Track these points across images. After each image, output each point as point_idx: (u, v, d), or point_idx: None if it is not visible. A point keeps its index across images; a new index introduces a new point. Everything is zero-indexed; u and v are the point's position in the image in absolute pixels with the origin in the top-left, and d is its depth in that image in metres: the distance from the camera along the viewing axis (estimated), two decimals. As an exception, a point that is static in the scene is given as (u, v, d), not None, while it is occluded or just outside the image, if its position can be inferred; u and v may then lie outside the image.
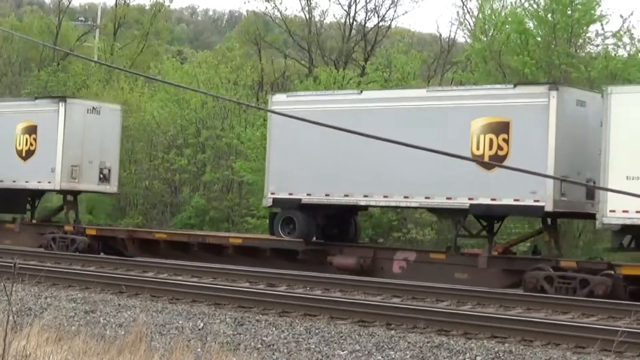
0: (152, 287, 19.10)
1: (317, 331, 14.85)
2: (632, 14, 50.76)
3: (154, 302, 17.80)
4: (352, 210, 26.21)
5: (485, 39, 35.16)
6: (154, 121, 40.30)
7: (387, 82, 37.93)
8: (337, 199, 24.80)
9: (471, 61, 37.96)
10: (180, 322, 15.87)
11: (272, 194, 25.76)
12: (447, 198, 23.10)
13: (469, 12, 44.20)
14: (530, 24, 33.39)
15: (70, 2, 56.66)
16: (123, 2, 53.78)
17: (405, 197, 23.87)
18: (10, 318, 10.10)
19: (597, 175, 21.06)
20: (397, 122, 23.57)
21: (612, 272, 20.80)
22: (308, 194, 25.14)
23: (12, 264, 10.08)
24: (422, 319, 15.35)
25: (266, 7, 47.01)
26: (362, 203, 25.01)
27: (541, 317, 16.35)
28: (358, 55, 45.45)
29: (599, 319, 16.77)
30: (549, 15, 32.44)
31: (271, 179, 25.92)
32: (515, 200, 22.11)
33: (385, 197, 24.16)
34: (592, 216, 21.40)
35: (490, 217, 23.95)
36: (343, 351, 13.78)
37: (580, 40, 33.19)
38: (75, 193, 30.72)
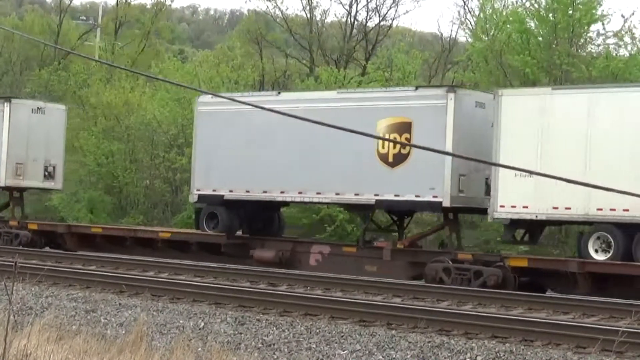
0: (152, 287, 19.11)
1: (317, 331, 14.85)
2: (633, 13, 50.83)
3: (155, 301, 17.80)
4: (275, 206, 27.15)
5: (486, 38, 35.16)
6: (155, 120, 40.30)
7: (388, 81, 37.92)
8: (256, 195, 25.87)
9: (472, 61, 37.95)
10: (181, 321, 15.87)
11: (198, 190, 27.00)
12: (356, 194, 24.34)
13: (470, 12, 44.23)
14: (532, 24, 33.39)
15: (71, 1, 56.76)
16: (124, 1, 53.75)
17: (317, 193, 25.05)
18: (11, 317, 10.10)
19: (492, 173, 22.42)
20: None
21: (503, 264, 21.93)
22: (230, 191, 26.29)
23: (12, 263, 10.08)
24: (423, 318, 15.35)
25: (267, 7, 46.97)
26: (279, 199, 25.95)
27: (542, 317, 16.34)
28: (359, 54, 45.41)
29: (600, 319, 16.76)
30: (550, 15, 32.43)
31: (197, 176, 27.16)
32: (416, 196, 23.43)
33: (299, 193, 25.28)
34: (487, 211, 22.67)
35: (398, 212, 25.30)
36: (344, 351, 13.78)
37: (582, 40, 33.19)
38: (21, 190, 31.62)
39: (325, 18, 47.64)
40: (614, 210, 20.77)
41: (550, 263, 22.34)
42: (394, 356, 13.43)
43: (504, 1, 37.47)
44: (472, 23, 42.69)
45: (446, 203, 22.98)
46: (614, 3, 49.59)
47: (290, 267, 25.36)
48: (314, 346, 14.10)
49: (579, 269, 20.83)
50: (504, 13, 35.76)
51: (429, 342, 13.92)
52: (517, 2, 35.82)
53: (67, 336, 13.14)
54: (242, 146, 26.01)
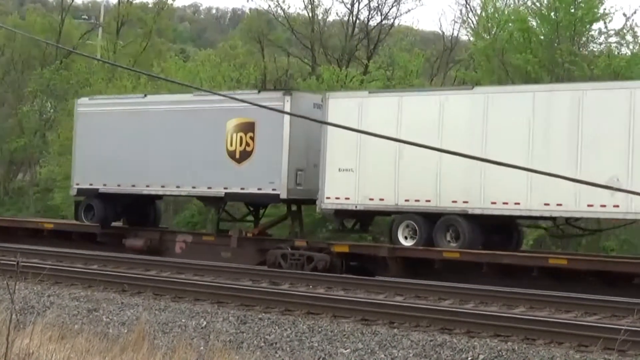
0: (154, 286, 19.13)
1: (320, 329, 14.85)
2: (635, 12, 50.44)
3: (157, 300, 17.81)
4: (149, 198, 29.26)
5: (488, 37, 35.13)
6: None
7: (389, 80, 37.89)
8: (126, 188, 28.14)
9: (474, 59, 37.92)
10: (183, 320, 15.88)
11: (77, 184, 29.31)
12: (208, 188, 26.61)
13: (471, 11, 44.20)
14: (533, 22, 33.34)
15: (73, 0, 56.75)
16: (126, 0, 53.76)
17: (177, 187, 27.32)
18: (13, 316, 10.09)
19: (320, 167, 24.74)
20: (173, 122, 27.33)
21: (330, 250, 24.33)
22: (104, 185, 28.51)
23: (14, 263, 10.08)
24: (425, 317, 15.36)
25: (269, 5, 46.90)
26: (145, 192, 28.05)
27: (544, 315, 16.33)
28: (361, 53, 45.37)
29: (602, 317, 16.75)
30: (552, 14, 32.40)
31: (76, 171, 29.46)
32: (258, 189, 25.69)
33: (162, 187, 27.58)
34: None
35: (252, 203, 27.69)
36: (346, 349, 13.79)
37: (583, 39, 33.15)
38: None
39: (327, 17, 47.63)
40: (418, 201, 23.21)
41: (367, 249, 24.74)
42: (396, 355, 13.43)
43: (505, 0, 37.47)
44: (474, 22, 42.68)
45: (283, 195, 25.24)
46: (615, 1, 49.55)
47: (159, 255, 27.88)
48: (316, 345, 14.10)
49: (390, 254, 23.31)
50: (506, 12, 35.72)
51: (431, 340, 13.92)
52: (518, 1, 35.84)
53: (69, 335, 13.14)
54: (114, 144, 28.28)
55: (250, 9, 54.52)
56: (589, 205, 21.07)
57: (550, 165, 20.50)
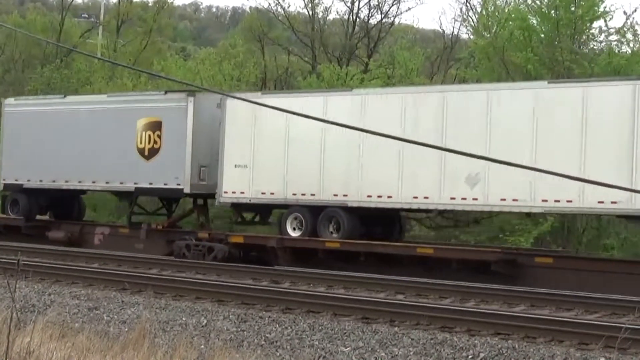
0: (155, 284, 19.14)
1: (320, 328, 14.85)
2: (635, 10, 50.54)
3: (158, 299, 17.82)
4: (72, 193, 31.35)
5: (488, 35, 35.08)
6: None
7: (390, 79, 37.85)
8: (47, 183, 30.13)
9: (474, 58, 37.88)
10: (183, 318, 15.88)
11: (4, 180, 31.31)
12: (121, 183, 28.56)
13: (472, 9, 44.12)
14: (534, 21, 33.29)
15: (73, -1, 56.71)
16: (126, -1, 53.78)
17: (93, 182, 29.35)
18: (14, 315, 10.09)
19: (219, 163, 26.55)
20: (89, 121, 29.17)
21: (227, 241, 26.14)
22: (28, 180, 30.54)
23: (15, 261, 10.08)
24: (425, 315, 15.36)
25: (269, 4, 46.95)
26: (65, 187, 30.05)
27: (545, 314, 16.32)
28: (361, 52, 45.34)
29: (603, 315, 16.74)
30: (552, 12, 32.34)
31: (3, 167, 31.38)
32: (164, 184, 27.57)
33: (80, 182, 29.55)
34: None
35: (166, 197, 29.51)
36: (346, 348, 13.78)
37: (584, 37, 33.08)
38: None
39: (327, 15, 47.59)
40: (304, 195, 25.04)
41: (258, 239, 26.17)
42: (396, 353, 13.43)
43: (505, -2, 37.40)
44: (474, 20, 42.61)
45: (187, 190, 27.19)
46: (616, 0, 49.64)
47: (79, 246, 29.62)
48: (317, 343, 14.10)
49: (278, 244, 25.15)
50: (506, 10, 35.68)
51: (431, 339, 13.92)
52: (519, -1, 35.74)
53: (69, 334, 13.14)
54: (37, 142, 30.19)
55: (250, 8, 54.81)
56: (451, 198, 22.97)
57: (419, 161, 23.14)
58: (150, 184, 27.82)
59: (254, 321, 15.55)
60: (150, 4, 54.73)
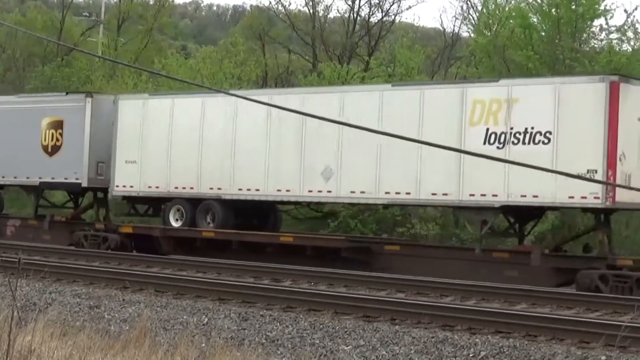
0: (156, 283, 19.12)
1: (321, 326, 14.85)
2: (636, 8, 50.29)
3: (158, 297, 17.81)
4: None
5: (489, 33, 35.11)
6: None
7: (391, 77, 37.85)
8: None
9: (475, 56, 37.89)
10: (184, 317, 15.89)
11: None
12: (27, 177, 30.38)
13: (472, 7, 44.17)
14: (534, 19, 33.31)
15: (74, -2, 56.73)
16: (127, -3, 53.80)
17: (2, 177, 30.94)
18: (15, 313, 10.10)
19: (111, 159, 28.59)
20: (6, 121, 30.75)
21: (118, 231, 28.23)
22: None
23: (16, 260, 10.08)
24: (426, 314, 15.36)
25: (270, 2, 47.08)
26: None
27: (545, 312, 16.33)
28: (362, 50, 45.37)
29: (603, 314, 16.75)
30: (553, 10, 32.37)
31: None
32: (65, 179, 29.45)
33: (2, 177, 31.03)
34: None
35: (74, 192, 31.14)
36: (347, 346, 13.79)
37: (585, 35, 33.12)
38: None
39: (328, 14, 47.65)
40: (184, 188, 27.14)
41: (144, 229, 28.28)
42: (397, 351, 13.43)
43: (506, -4, 37.40)
44: (475, 18, 42.64)
45: (85, 184, 29.04)
46: (617, -2, 49.68)
47: None
48: (318, 342, 14.11)
49: (162, 234, 27.31)
50: (507, 8, 35.70)
51: (432, 337, 13.92)
52: (519, -3, 35.73)
53: (71, 332, 13.16)
54: None
55: (251, 6, 54.87)
56: (309, 191, 25.07)
57: (282, 156, 25.39)
58: (53, 178, 29.66)
59: (255, 320, 15.56)
60: (151, 3, 54.76)
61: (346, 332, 14.47)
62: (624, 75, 22.70)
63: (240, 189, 26.15)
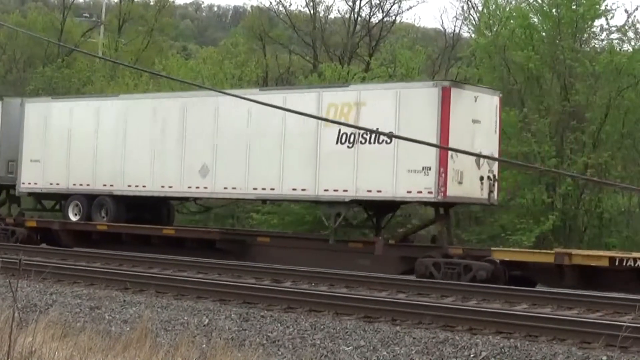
0: (157, 284, 19.12)
1: (322, 327, 14.85)
2: (637, 8, 50.36)
3: (159, 298, 17.82)
4: None
5: (489, 34, 35.06)
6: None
7: (391, 77, 37.83)
8: None
9: (476, 56, 37.86)
10: (185, 318, 15.89)
11: None
12: None
13: (473, 7, 44.11)
14: (535, 19, 33.28)
15: (74, -1, 56.73)
16: (127, -2, 53.80)
17: None
18: (16, 314, 10.10)
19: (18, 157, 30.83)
20: None
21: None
22: None
23: (17, 260, 10.08)
24: (427, 314, 15.36)
25: (270, 3, 47.10)
26: None
27: (546, 312, 16.32)
28: (362, 50, 45.34)
29: (604, 314, 16.74)
30: (554, 10, 32.33)
31: None
32: None
33: None
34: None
35: None
36: (348, 347, 13.79)
37: (585, 35, 33.08)
38: None
39: (329, 14, 47.64)
40: (82, 185, 29.31)
41: (46, 223, 30.23)
42: (398, 352, 13.43)
43: (507, -4, 37.34)
44: (476, 19, 42.59)
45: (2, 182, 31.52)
46: (617, -2, 49.67)
47: None
48: (319, 342, 14.11)
49: (60, 227, 29.45)
50: (507, 8, 35.65)
51: (433, 338, 13.92)
52: (520, -3, 35.68)
53: (71, 333, 13.15)
54: None
55: (251, 7, 54.78)
56: (189, 187, 27.26)
57: (165, 156, 27.63)
58: None
59: (255, 320, 15.56)
60: (151, 3, 54.81)
61: (347, 332, 14.47)
62: (456, 81, 25.00)
63: (129, 186, 28.40)
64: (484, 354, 13.10)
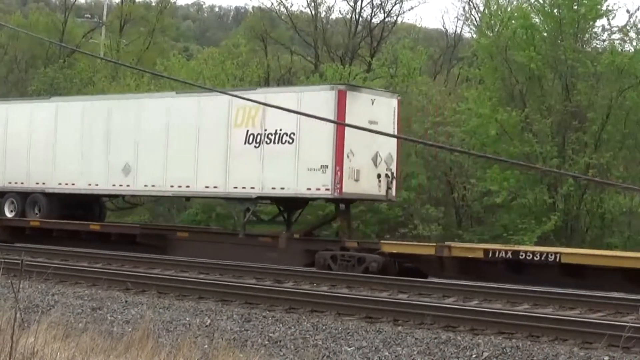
0: (159, 284, 19.12)
1: (324, 327, 14.85)
2: (638, 9, 50.23)
3: (161, 298, 17.82)
4: None
5: (491, 34, 35.04)
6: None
7: (393, 78, 37.83)
8: None
9: (477, 57, 37.85)
10: (187, 318, 15.89)
11: None
12: None
13: (474, 8, 44.18)
14: (537, 19, 33.25)
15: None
16: (129, -1, 53.82)
17: None
18: (18, 315, 10.10)
19: None
20: None
21: None
22: None
23: (19, 261, 10.08)
24: (429, 315, 15.35)
25: (272, 3, 47.01)
26: None
27: (548, 313, 16.31)
28: (364, 51, 45.35)
29: (606, 314, 16.72)
30: (555, 11, 32.31)
31: None
32: None
33: None
34: None
35: None
36: (350, 347, 13.79)
37: (587, 35, 33.05)
38: None
39: (330, 15, 47.71)
40: (17, 183, 31.12)
41: None
42: (400, 352, 13.43)
43: (508, -3, 37.33)
44: (477, 19, 42.63)
45: None
46: (619, -2, 49.68)
47: None
48: (321, 343, 14.10)
49: None
50: (509, 9, 35.63)
51: (435, 338, 13.92)
52: (522, -2, 35.65)
53: (73, 334, 13.14)
54: None
55: (253, 7, 54.78)
56: (113, 185, 28.93)
57: (92, 155, 29.29)
58: None
59: (257, 321, 15.55)
60: (153, 4, 54.88)
61: (349, 333, 14.46)
62: (352, 85, 27.06)
63: (60, 183, 30.10)
64: (486, 354, 13.10)
